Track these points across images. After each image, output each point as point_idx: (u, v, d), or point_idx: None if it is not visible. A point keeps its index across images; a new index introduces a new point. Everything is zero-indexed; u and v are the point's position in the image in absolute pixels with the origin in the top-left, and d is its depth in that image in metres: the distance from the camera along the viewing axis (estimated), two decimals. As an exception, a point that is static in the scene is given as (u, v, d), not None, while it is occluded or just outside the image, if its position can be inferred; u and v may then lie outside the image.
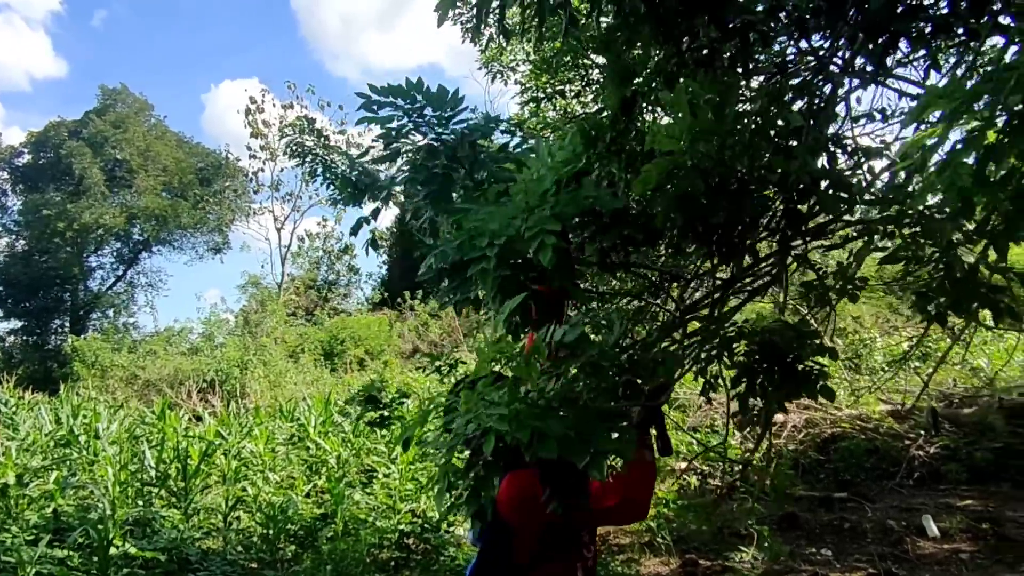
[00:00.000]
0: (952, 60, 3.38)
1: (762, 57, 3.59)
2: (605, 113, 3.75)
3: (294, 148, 4.82)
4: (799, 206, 2.50)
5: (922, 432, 9.33)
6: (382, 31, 75.54)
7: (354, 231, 4.03)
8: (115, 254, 42.20)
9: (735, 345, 2.64)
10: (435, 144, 3.51)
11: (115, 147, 38.66)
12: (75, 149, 38.06)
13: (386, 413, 12.10)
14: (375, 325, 29.96)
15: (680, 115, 2.27)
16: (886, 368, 11.45)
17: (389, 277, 37.89)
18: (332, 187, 4.77)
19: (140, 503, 8.19)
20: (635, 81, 3.41)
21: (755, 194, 2.37)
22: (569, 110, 7.10)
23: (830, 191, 2.37)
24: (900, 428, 9.55)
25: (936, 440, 9.09)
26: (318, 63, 74.02)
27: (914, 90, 3.06)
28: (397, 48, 75.57)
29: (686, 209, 2.44)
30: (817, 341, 2.55)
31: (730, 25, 3.22)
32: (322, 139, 5.01)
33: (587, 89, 6.63)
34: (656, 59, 3.60)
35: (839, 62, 2.97)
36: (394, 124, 3.42)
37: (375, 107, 3.31)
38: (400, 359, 25.72)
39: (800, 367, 2.52)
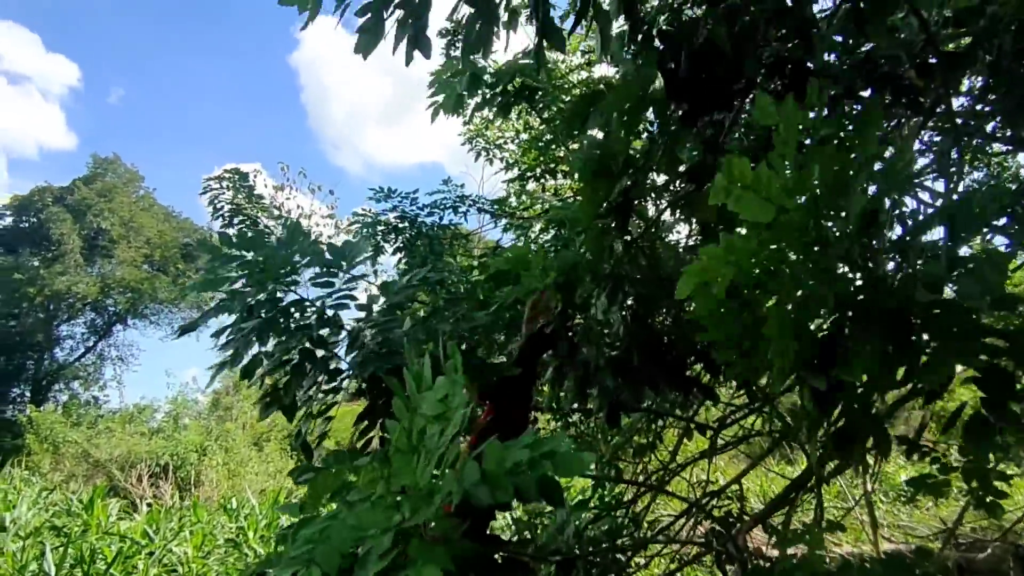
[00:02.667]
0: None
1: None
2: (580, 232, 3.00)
3: (218, 205, 4.06)
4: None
5: (933, 580, 8.29)
6: (385, 127, 77.70)
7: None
8: (88, 324, 40.96)
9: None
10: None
11: (98, 215, 38.03)
12: (56, 215, 37.39)
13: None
14: (349, 416, 28.70)
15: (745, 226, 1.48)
16: (885, 498, 10.49)
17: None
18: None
19: (32, 615, 7.02)
20: (625, 178, 2.65)
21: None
22: (560, 191, 6.39)
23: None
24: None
25: (949, 591, 8.06)
26: (321, 152, 76.13)
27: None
28: (398, 144, 77.87)
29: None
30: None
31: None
32: (254, 198, 4.26)
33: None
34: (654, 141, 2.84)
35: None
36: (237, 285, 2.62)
37: (220, 264, 2.54)
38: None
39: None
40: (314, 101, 79.94)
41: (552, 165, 6.10)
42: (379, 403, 2.51)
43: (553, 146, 5.91)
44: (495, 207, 5.97)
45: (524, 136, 6.51)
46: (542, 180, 6.44)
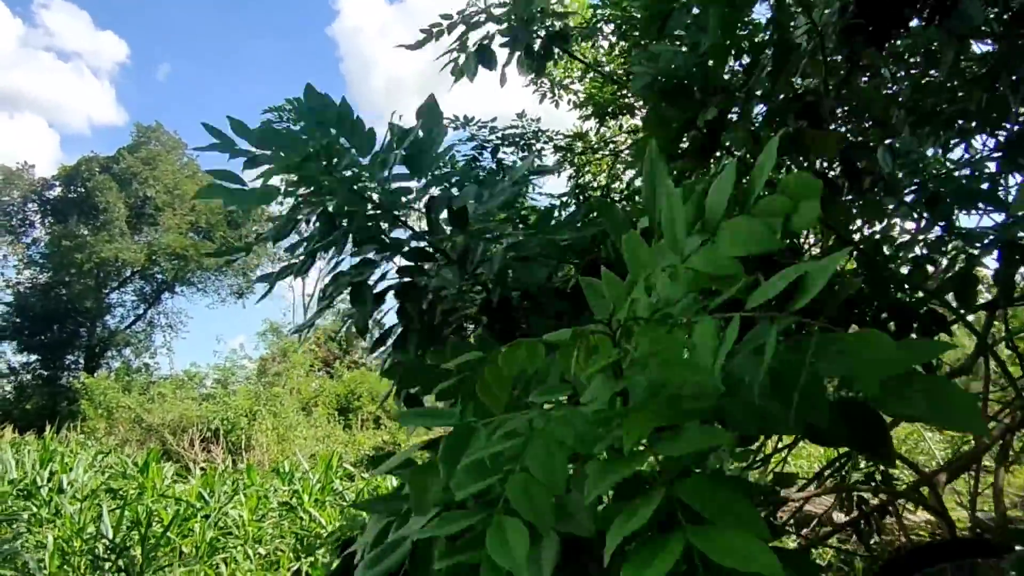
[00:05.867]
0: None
1: None
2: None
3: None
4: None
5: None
6: (423, 97, 78.21)
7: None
8: (137, 292, 41.55)
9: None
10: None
11: (143, 183, 38.30)
12: (102, 183, 37.71)
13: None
14: (371, 380, 28.82)
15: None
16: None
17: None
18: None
19: (90, 578, 6.88)
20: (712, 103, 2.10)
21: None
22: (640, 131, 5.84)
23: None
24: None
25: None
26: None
27: None
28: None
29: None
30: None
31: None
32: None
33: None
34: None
35: None
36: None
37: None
38: (417, 419, 24.55)
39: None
40: (353, 71, 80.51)
41: (631, 101, 5.58)
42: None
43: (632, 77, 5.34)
44: (571, 142, 5.51)
45: (591, 74, 5.98)
46: (619, 118, 5.91)
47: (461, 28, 3.26)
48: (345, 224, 1.90)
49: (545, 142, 5.14)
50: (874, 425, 0.99)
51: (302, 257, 2.00)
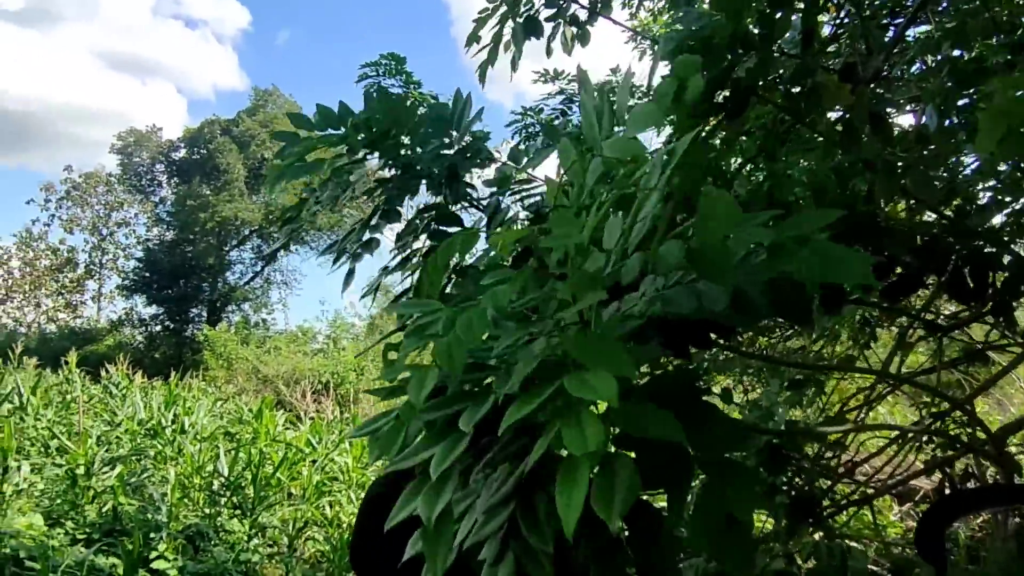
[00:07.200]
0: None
1: None
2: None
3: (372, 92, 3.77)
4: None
5: None
6: (537, 61, 77.77)
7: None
8: (254, 250, 43.46)
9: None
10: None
11: (260, 145, 39.78)
12: (222, 145, 39.46)
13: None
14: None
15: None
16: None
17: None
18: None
19: (207, 511, 7.39)
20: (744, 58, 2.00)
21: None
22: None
23: None
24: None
25: None
26: (474, 86, 78.82)
27: None
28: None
29: None
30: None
31: None
32: (412, 84, 3.99)
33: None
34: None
35: None
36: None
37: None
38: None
39: None
40: (464, 35, 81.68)
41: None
42: None
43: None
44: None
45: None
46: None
47: (504, 9, 3.27)
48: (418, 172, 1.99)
49: (639, 98, 5.03)
50: (797, 296, 1.13)
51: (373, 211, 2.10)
